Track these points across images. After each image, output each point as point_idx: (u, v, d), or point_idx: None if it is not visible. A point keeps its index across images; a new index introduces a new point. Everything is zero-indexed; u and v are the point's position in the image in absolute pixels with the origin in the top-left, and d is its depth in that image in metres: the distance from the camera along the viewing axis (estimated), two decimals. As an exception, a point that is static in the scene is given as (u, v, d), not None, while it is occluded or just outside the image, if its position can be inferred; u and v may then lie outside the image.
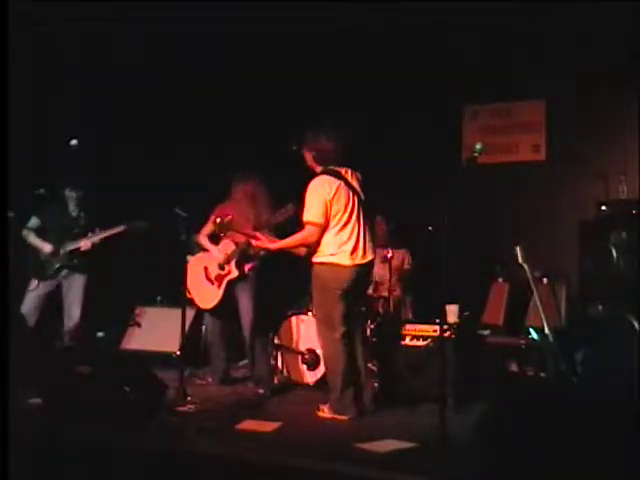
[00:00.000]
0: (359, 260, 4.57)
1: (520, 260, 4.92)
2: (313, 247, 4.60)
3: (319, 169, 4.67)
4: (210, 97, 7.24)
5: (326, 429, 4.41)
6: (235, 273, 5.36)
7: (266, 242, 4.78)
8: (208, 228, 5.57)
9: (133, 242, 5.86)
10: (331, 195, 4.51)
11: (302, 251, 4.76)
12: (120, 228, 5.52)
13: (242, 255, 5.34)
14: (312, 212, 4.50)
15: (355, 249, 4.55)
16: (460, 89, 6.79)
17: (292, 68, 7.11)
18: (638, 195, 5.96)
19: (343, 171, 4.67)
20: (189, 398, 4.82)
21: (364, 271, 4.65)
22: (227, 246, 5.43)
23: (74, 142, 5.37)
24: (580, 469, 3.00)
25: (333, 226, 4.55)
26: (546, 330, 4.78)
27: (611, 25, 6.01)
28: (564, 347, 4.69)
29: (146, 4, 6.31)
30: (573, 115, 6.53)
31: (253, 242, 4.89)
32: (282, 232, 5.14)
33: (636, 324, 5.09)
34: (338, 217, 4.54)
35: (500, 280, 6.33)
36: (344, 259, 4.53)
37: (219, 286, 5.42)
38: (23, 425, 4.02)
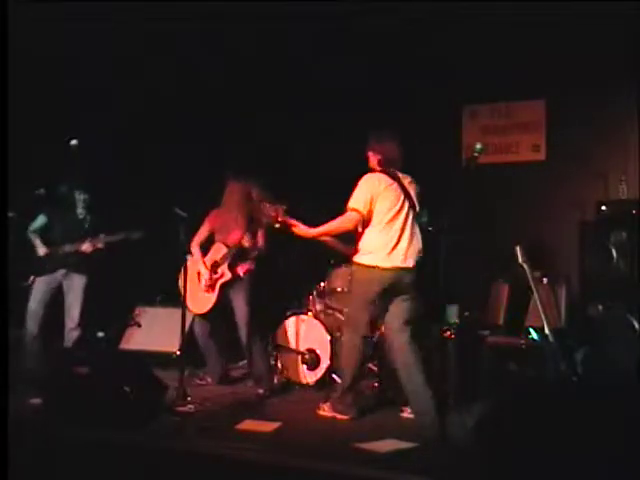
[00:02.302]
0: (398, 263, 4.43)
1: (520, 260, 4.92)
2: (354, 244, 4.57)
3: (378, 169, 4.64)
4: (209, 97, 7.25)
5: (326, 429, 4.41)
6: (228, 275, 5.36)
7: (305, 229, 4.70)
8: (201, 235, 5.57)
9: (133, 243, 5.85)
10: (379, 190, 4.47)
11: (347, 250, 4.69)
12: (120, 236, 5.51)
13: (235, 257, 5.33)
14: (356, 199, 4.48)
15: (394, 251, 4.43)
16: (460, 89, 6.79)
17: (290, 68, 7.11)
18: (638, 195, 5.96)
19: (401, 176, 4.62)
20: (189, 398, 4.82)
21: (402, 275, 4.47)
22: (218, 250, 5.43)
23: (74, 142, 5.37)
24: (580, 469, 3.00)
25: (376, 224, 4.48)
26: (546, 330, 4.78)
27: (611, 25, 6.00)
28: (564, 347, 4.68)
29: (145, 4, 6.31)
30: (573, 115, 6.52)
31: (293, 229, 4.77)
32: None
33: (636, 324, 5.10)
34: (382, 216, 4.47)
35: (500, 280, 6.33)
36: (382, 260, 4.42)
37: (212, 290, 5.41)
38: (23, 425, 4.02)
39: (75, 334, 5.51)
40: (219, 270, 5.39)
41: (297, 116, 7.01)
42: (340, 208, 6.74)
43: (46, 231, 5.58)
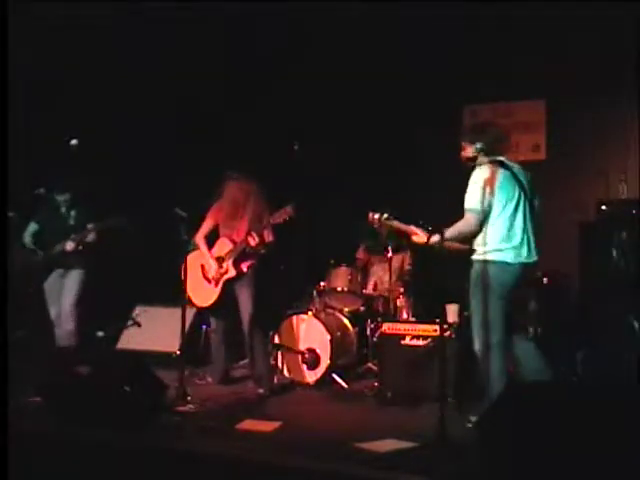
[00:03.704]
0: (524, 259, 4.24)
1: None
2: (474, 240, 4.27)
3: (485, 160, 4.31)
4: (208, 96, 7.25)
5: (326, 429, 4.41)
6: (232, 272, 5.37)
7: (423, 237, 4.41)
8: (205, 228, 5.58)
9: (133, 242, 5.86)
10: (493, 182, 4.18)
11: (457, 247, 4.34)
12: (102, 225, 5.51)
13: (240, 254, 5.34)
14: (472, 199, 4.19)
15: (521, 246, 4.24)
16: (460, 89, 6.79)
17: (291, 67, 7.12)
18: (638, 195, 5.96)
19: (511, 164, 4.36)
20: (189, 398, 4.81)
21: (528, 272, 4.32)
22: (223, 245, 5.43)
23: (74, 142, 5.37)
24: (579, 469, 3.00)
25: (496, 218, 4.22)
26: (546, 330, 4.77)
27: (611, 25, 6.00)
28: (564, 347, 4.68)
29: (145, 5, 6.31)
30: (573, 115, 6.52)
31: (412, 237, 4.52)
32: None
33: (636, 324, 5.10)
34: (501, 209, 4.22)
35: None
36: (509, 256, 4.20)
37: (216, 285, 5.43)
38: (23, 425, 4.02)
39: (68, 327, 5.50)
40: (224, 265, 5.40)
41: (297, 115, 7.02)
42: (339, 204, 6.79)
43: (39, 236, 5.63)
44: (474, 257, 4.27)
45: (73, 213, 5.62)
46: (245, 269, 5.41)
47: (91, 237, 5.53)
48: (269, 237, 5.39)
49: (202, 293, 5.47)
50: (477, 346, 4.30)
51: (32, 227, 5.67)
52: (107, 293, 6.27)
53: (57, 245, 5.52)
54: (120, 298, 6.63)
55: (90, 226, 5.53)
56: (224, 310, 5.52)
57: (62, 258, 5.53)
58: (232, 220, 5.46)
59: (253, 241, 5.23)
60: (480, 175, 4.23)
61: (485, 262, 4.21)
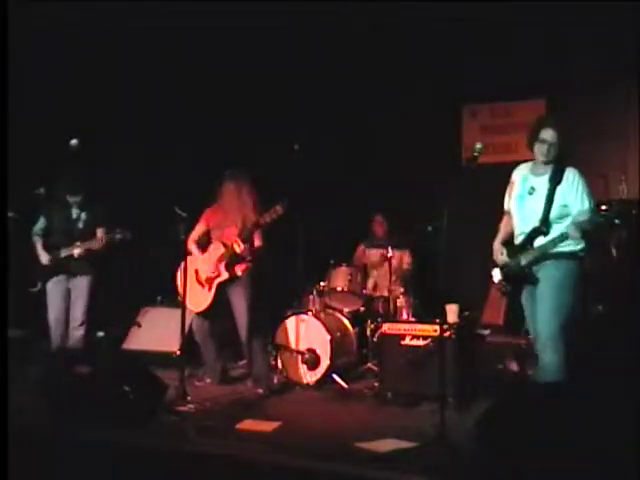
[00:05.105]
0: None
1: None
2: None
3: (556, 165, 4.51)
4: (207, 96, 7.25)
5: (326, 429, 4.41)
6: (225, 275, 5.34)
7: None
8: (197, 232, 5.55)
9: (133, 243, 5.86)
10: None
11: None
12: (103, 238, 5.50)
13: (232, 257, 5.32)
14: (590, 200, 4.47)
15: None
16: (460, 89, 6.79)
17: (291, 68, 7.12)
18: (638, 195, 5.96)
19: None
20: (189, 398, 4.81)
21: None
22: (216, 249, 5.41)
23: (74, 142, 5.37)
24: (579, 469, 3.00)
25: None
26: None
27: (611, 24, 6.00)
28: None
29: (145, 4, 6.31)
30: (573, 115, 6.52)
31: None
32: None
33: (636, 324, 5.10)
34: None
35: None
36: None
37: (210, 289, 5.40)
38: (23, 425, 4.02)
39: (78, 333, 5.53)
40: (216, 269, 5.38)
41: (297, 115, 7.02)
42: (340, 204, 6.78)
43: (46, 233, 5.63)
44: (573, 257, 4.39)
45: (83, 216, 5.61)
46: (239, 272, 5.39)
47: (98, 244, 5.52)
48: (258, 242, 5.37)
49: (196, 298, 5.41)
50: (541, 345, 4.19)
51: (41, 223, 5.65)
52: (107, 294, 6.27)
53: (64, 249, 5.51)
54: (119, 298, 6.63)
55: (99, 235, 5.51)
56: (211, 311, 5.49)
57: (68, 263, 5.53)
58: (224, 224, 5.44)
59: (239, 248, 5.22)
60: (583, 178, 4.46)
61: (580, 260, 4.40)
